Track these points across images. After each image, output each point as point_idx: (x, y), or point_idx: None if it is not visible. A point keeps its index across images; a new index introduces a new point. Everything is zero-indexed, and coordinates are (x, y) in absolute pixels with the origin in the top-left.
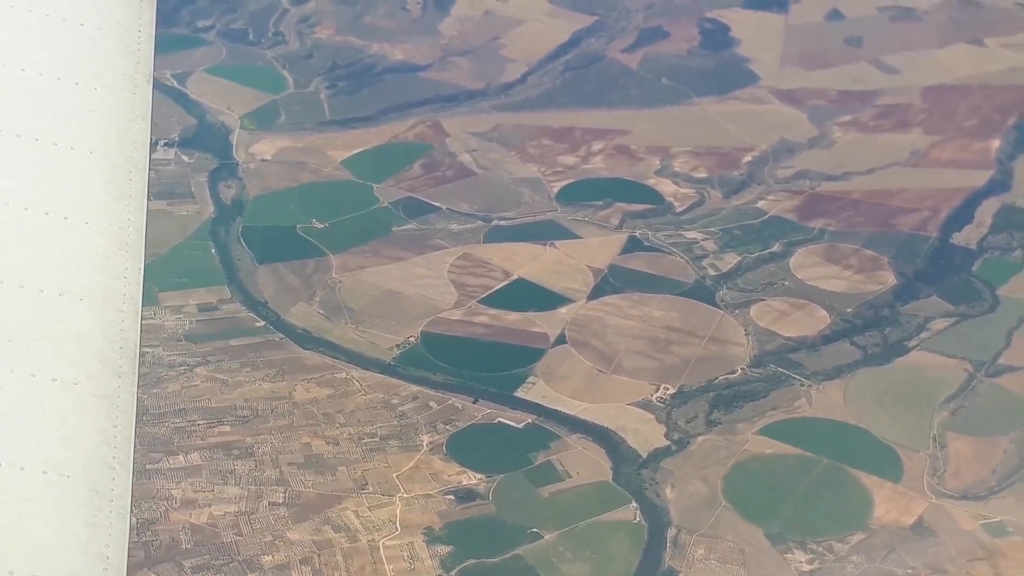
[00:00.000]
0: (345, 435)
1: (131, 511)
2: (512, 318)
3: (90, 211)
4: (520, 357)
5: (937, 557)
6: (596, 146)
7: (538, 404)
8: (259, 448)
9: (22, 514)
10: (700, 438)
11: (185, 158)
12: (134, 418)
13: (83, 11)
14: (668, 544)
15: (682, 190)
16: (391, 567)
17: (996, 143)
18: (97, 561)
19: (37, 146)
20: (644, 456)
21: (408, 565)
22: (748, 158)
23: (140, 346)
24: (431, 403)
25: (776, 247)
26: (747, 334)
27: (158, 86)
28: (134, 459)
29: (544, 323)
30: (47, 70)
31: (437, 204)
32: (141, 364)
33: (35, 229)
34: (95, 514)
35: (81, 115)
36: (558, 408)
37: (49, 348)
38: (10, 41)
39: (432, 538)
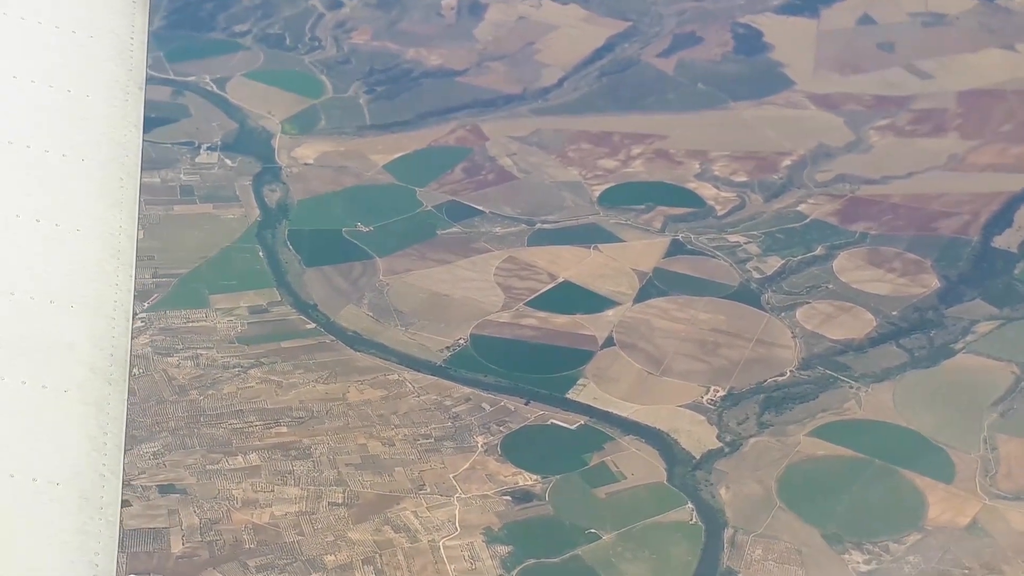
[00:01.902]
0: (400, 436)
1: (120, 518)
2: (560, 320)
3: (81, 218)
4: (569, 359)
5: (993, 557)
6: (635, 150)
7: (590, 406)
8: (316, 449)
9: (11, 521)
10: (752, 440)
11: (228, 162)
12: (124, 426)
13: (75, 19)
14: (726, 545)
15: (723, 194)
16: (452, 567)
17: None
18: (86, 568)
19: (29, 153)
20: (698, 457)
21: (469, 565)
22: (787, 162)
23: (130, 353)
24: (483, 404)
25: (819, 250)
26: (794, 336)
27: (198, 90)
28: (123, 465)
29: (592, 326)
30: (39, 77)
31: (480, 207)
32: (196, 365)
33: (26, 236)
34: (85, 521)
35: (73, 122)
36: (610, 410)
37: (39, 356)
38: (1, 49)
39: (491, 538)
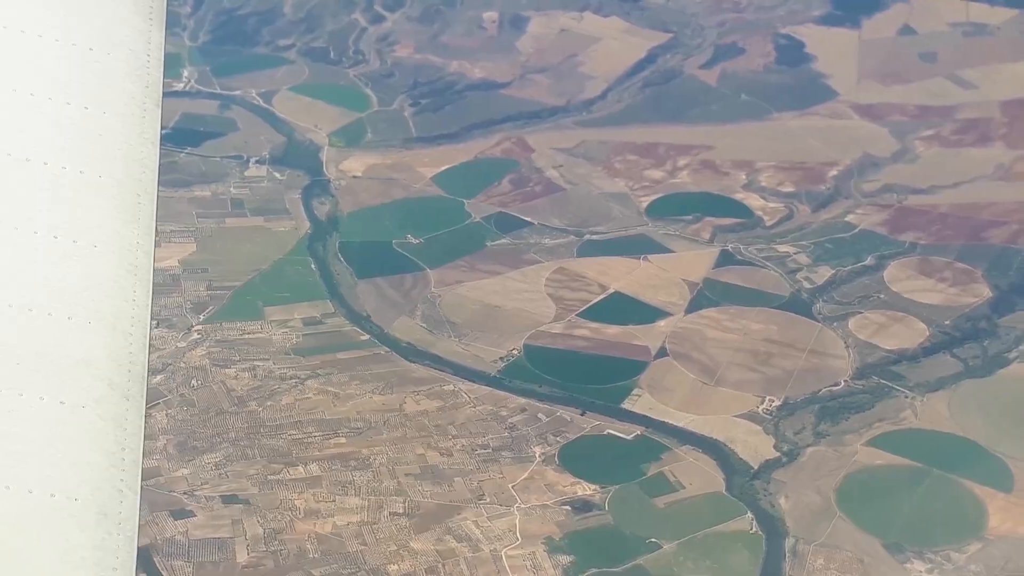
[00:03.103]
0: (458, 447)
1: (138, 533)
2: (612, 331)
3: (98, 235)
4: (623, 370)
5: None
6: (681, 161)
7: (645, 416)
8: (375, 459)
9: (30, 536)
10: (809, 449)
11: (277, 175)
12: (142, 441)
13: (92, 37)
14: (787, 554)
15: (770, 204)
16: None
17: None
18: None
19: (46, 170)
20: (755, 467)
21: (532, 575)
22: (833, 172)
23: (148, 369)
24: (539, 415)
25: (869, 260)
26: (847, 347)
27: (245, 104)
28: (141, 481)
29: (644, 336)
30: (56, 95)
31: (528, 219)
32: (253, 377)
33: (44, 253)
34: (103, 537)
35: (90, 139)
36: (665, 420)
37: (57, 372)
38: (20, 66)
39: (553, 548)
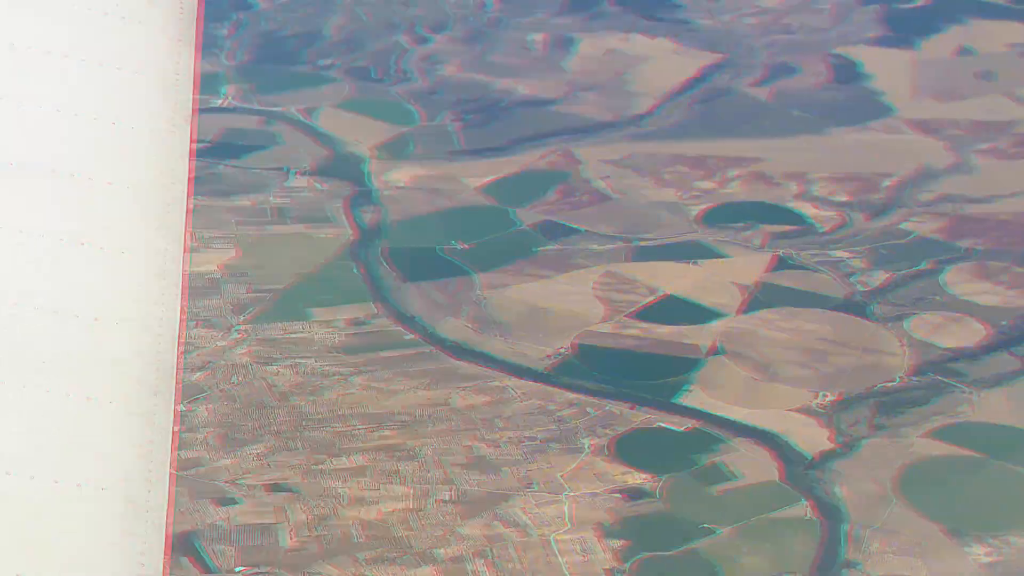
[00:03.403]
0: (505, 438)
1: (173, 521)
2: (663, 331)
3: (126, 241)
4: (675, 367)
5: None
6: (732, 172)
7: (698, 409)
8: (422, 450)
9: (58, 525)
10: (866, 441)
11: (320, 186)
12: (171, 435)
13: (120, 56)
14: (845, 538)
15: (825, 212)
16: (565, 559)
17: None
18: (132, 569)
19: (74, 181)
20: (812, 457)
21: (582, 558)
22: (889, 183)
23: (180, 368)
24: (589, 409)
25: (926, 265)
26: (904, 345)
27: (288, 119)
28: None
29: (697, 336)
30: (83, 110)
31: (578, 226)
32: (296, 373)
33: (72, 258)
34: (131, 525)
35: (118, 153)
36: (719, 414)
37: (84, 370)
38: (47, 83)
39: (606, 533)
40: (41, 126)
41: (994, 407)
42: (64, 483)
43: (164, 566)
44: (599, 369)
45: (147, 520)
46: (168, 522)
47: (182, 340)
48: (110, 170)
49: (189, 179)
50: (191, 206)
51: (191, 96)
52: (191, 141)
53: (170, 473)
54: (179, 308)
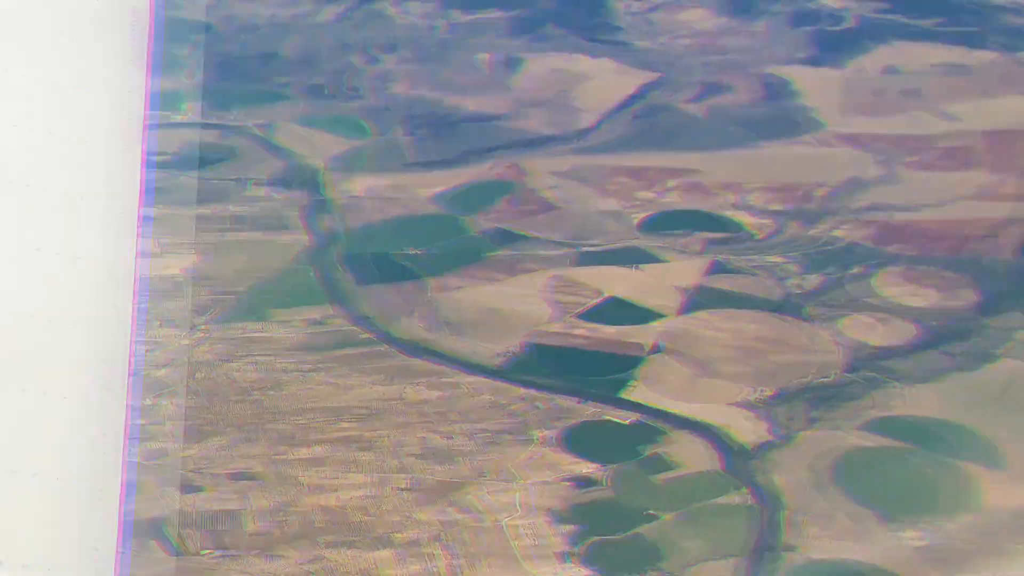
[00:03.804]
0: (459, 431)
1: (123, 510)
2: (609, 331)
3: (83, 249)
4: (619, 364)
5: None
6: (671, 183)
7: (642, 404)
8: (379, 442)
9: (17, 513)
10: (803, 433)
11: (276, 195)
12: (123, 427)
13: (74, 76)
14: (783, 523)
15: (760, 220)
16: (518, 543)
17: None
18: (87, 553)
19: (31, 192)
20: (751, 448)
21: (533, 542)
22: (820, 192)
23: (132, 365)
24: (538, 403)
25: (857, 269)
26: (838, 344)
27: (244, 134)
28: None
29: (640, 335)
30: (40, 127)
31: (525, 233)
32: (256, 369)
33: (38, 266)
34: (86, 513)
35: (74, 166)
36: (662, 407)
37: (45, 367)
38: (9, 102)
39: (556, 518)
40: (8, 144)
41: (923, 401)
42: (21, 473)
43: (116, 552)
44: (548, 366)
45: (101, 509)
46: (120, 510)
47: (134, 339)
48: (65, 182)
49: (147, 190)
50: (150, 214)
51: (143, 112)
52: (145, 154)
53: (123, 464)
54: (131, 309)
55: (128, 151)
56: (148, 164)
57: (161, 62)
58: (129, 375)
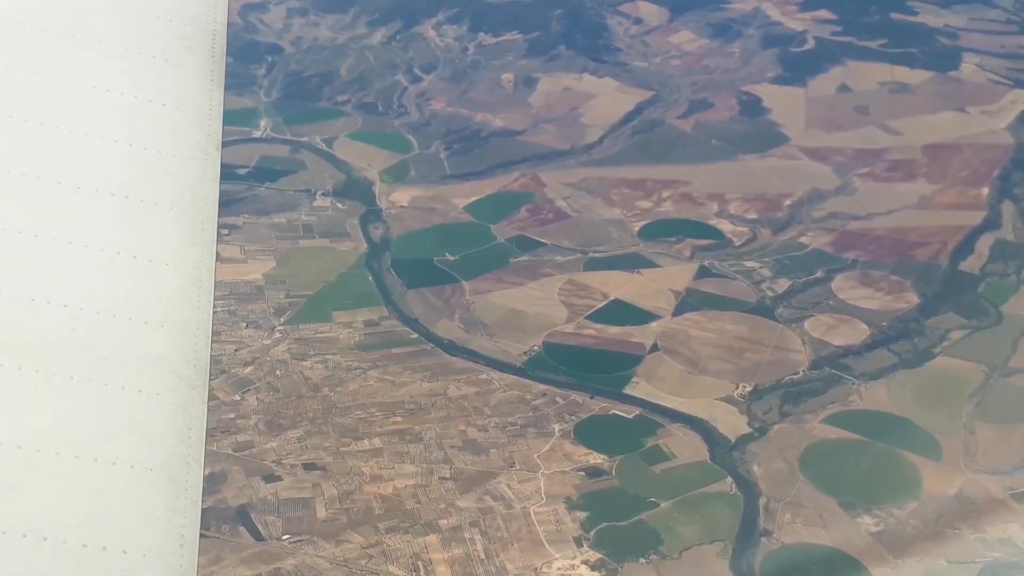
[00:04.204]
0: (492, 424)
1: (202, 498)
2: (613, 331)
3: (169, 255)
4: (624, 362)
5: (978, 520)
6: (665, 193)
7: (643, 399)
8: (426, 434)
9: (112, 500)
10: (776, 426)
11: (339, 205)
12: (205, 422)
13: (163, 93)
14: (761, 511)
15: (738, 228)
16: (542, 528)
17: (985, 190)
18: (175, 539)
19: (126, 203)
20: (733, 440)
21: (555, 527)
22: (788, 202)
23: (211, 364)
24: (557, 399)
25: (819, 273)
26: (804, 343)
27: (311, 148)
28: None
29: (640, 335)
30: (135, 141)
31: (543, 240)
32: (325, 368)
33: (125, 270)
34: (173, 500)
35: (162, 178)
36: (659, 402)
37: (136, 366)
38: (100, 118)
39: (571, 506)
40: (101, 155)
41: (876, 396)
42: (120, 464)
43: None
44: (563, 363)
45: (187, 497)
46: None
47: (213, 340)
48: (156, 193)
49: (231, 200)
50: (237, 223)
51: (220, 127)
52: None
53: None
54: (211, 313)
55: (208, 163)
56: (231, 177)
57: (239, 83)
58: (210, 373)
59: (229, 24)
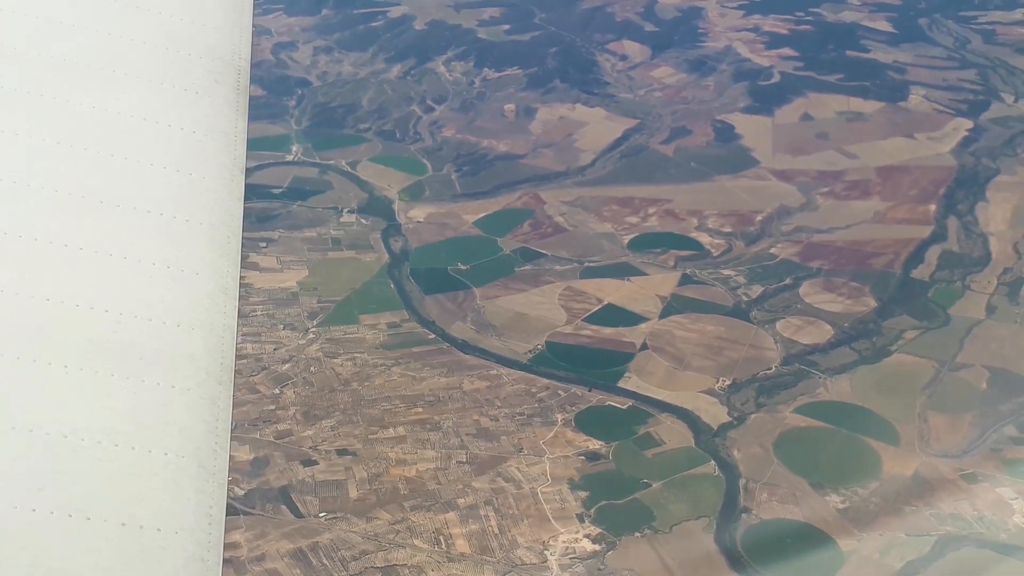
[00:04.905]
0: (502, 414)
1: (227, 482)
2: (608, 331)
3: (199, 266)
4: (617, 359)
5: (932, 498)
6: (650, 210)
7: (635, 392)
8: (444, 423)
9: (149, 484)
10: (752, 416)
11: (363, 221)
12: (231, 414)
13: (195, 122)
14: (741, 491)
15: (715, 241)
16: (548, 506)
17: (933, 207)
18: (204, 518)
19: (162, 219)
20: (715, 428)
21: (559, 505)
22: (759, 217)
23: (236, 362)
24: (559, 391)
25: (788, 280)
26: (775, 342)
27: (337, 170)
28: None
29: (631, 335)
30: (168, 165)
31: (544, 251)
32: (353, 365)
33: (160, 279)
34: (202, 484)
35: (193, 197)
36: (649, 395)
37: (170, 364)
38: (141, 144)
39: (574, 486)
40: (142, 177)
41: (840, 389)
42: (155, 452)
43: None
44: (564, 360)
45: (214, 480)
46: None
47: (236, 341)
48: (187, 211)
49: (268, 216)
50: (274, 237)
51: (244, 152)
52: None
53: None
54: (236, 316)
55: (234, 185)
56: (267, 196)
57: (272, 112)
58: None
59: (263, 61)
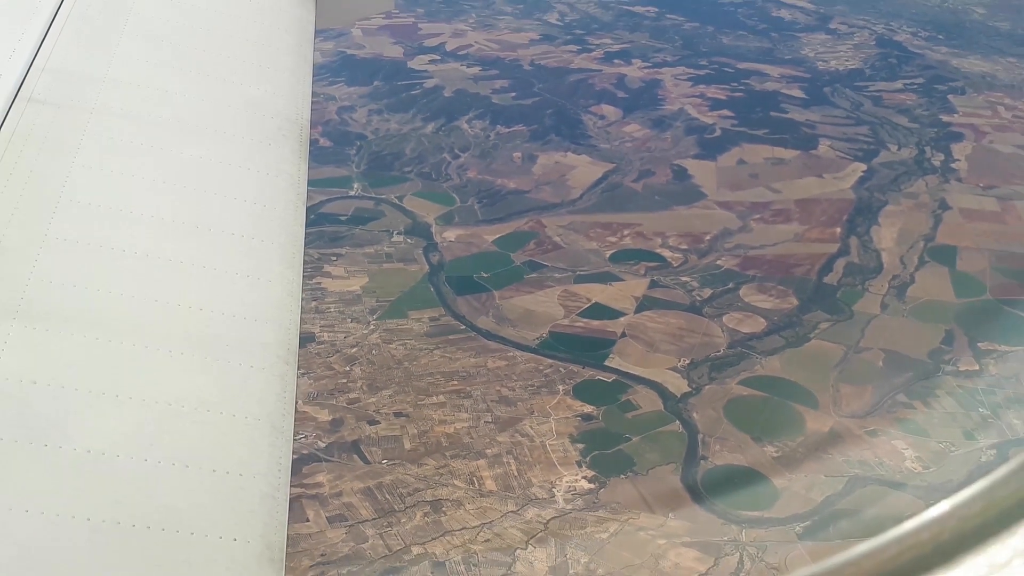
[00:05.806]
0: (517, 386)
1: (293, 438)
2: (596, 323)
3: (271, 276)
4: (603, 344)
5: (843, 448)
6: (626, 232)
7: (617, 369)
8: (474, 392)
9: (232, 439)
10: (707, 387)
11: (409, 241)
12: (295, 387)
13: (268, 166)
14: (699, 443)
15: (675, 255)
16: (554, 456)
17: (838, 229)
18: (275, 466)
19: (242, 240)
20: (679, 396)
21: (563, 455)
22: (708, 237)
23: (298, 347)
24: (560, 369)
25: (731, 285)
26: (723, 331)
27: (388, 203)
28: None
29: (613, 327)
30: (247, 198)
31: (546, 263)
32: (404, 349)
33: (243, 286)
34: (273, 439)
35: (268, 222)
36: (628, 371)
37: (249, 350)
38: (228, 183)
39: (573, 440)
40: (229, 208)
41: (773, 367)
42: (237, 416)
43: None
44: (563, 345)
45: (282, 436)
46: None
47: (298, 331)
48: (263, 233)
49: (335, 237)
50: (341, 252)
51: (305, 189)
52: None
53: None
54: (298, 312)
55: (297, 213)
56: (335, 222)
57: (337, 159)
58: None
59: (329, 120)
